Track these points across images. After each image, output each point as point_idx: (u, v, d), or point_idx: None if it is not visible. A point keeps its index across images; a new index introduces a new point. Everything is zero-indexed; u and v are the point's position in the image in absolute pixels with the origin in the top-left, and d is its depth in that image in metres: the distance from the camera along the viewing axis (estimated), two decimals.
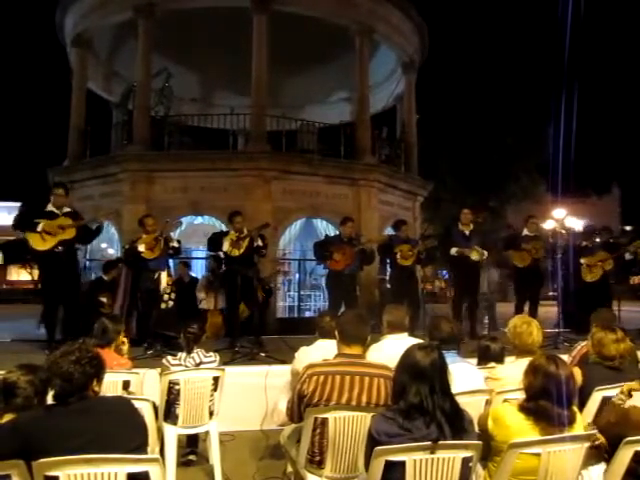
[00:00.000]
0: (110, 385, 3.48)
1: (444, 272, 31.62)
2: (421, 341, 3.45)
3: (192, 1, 11.37)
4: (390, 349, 3.65)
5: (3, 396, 2.42)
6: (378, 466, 2.25)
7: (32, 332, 8.34)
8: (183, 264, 9.45)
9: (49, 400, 2.43)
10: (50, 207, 6.26)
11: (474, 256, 7.43)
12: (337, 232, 8.33)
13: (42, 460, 2.06)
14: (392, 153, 13.61)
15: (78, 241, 6.40)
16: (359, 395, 2.84)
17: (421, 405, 2.28)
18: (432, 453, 2.23)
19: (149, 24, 11.53)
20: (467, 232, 7.70)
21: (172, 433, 3.88)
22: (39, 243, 6.02)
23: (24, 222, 6.18)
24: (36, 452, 2.10)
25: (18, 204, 30.49)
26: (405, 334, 3.93)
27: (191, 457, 4.33)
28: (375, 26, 12.51)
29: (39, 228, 6.00)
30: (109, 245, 12.48)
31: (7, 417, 2.36)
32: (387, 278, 8.56)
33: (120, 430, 2.27)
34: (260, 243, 6.77)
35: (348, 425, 2.83)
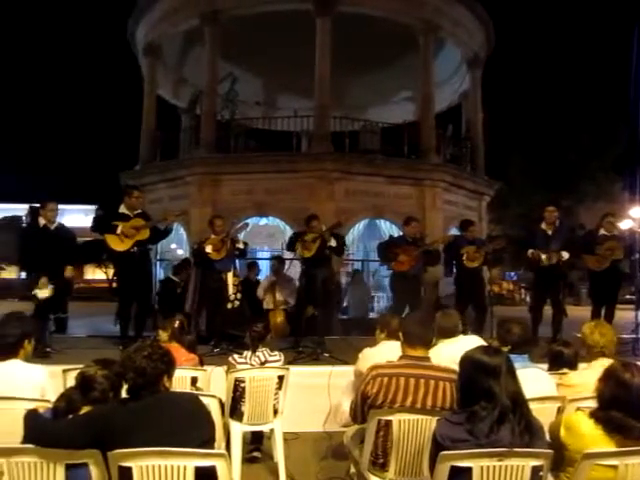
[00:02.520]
0: (179, 380, 3.60)
1: (512, 274, 30.70)
2: (483, 342, 3.37)
3: (256, 6, 11.59)
4: (444, 353, 3.58)
5: (81, 389, 2.55)
6: (443, 471, 2.22)
7: (107, 328, 8.76)
8: (251, 264, 9.63)
9: (123, 394, 2.55)
10: (123, 209, 6.55)
11: (543, 261, 7.06)
12: (401, 233, 8.24)
13: (117, 451, 2.16)
14: (457, 152, 13.33)
15: (149, 241, 6.67)
16: (424, 398, 2.80)
17: (488, 409, 2.22)
18: (500, 460, 2.16)
19: (215, 31, 11.85)
20: (550, 232, 7.28)
21: (238, 429, 3.97)
22: (117, 244, 6.33)
23: (102, 225, 6.51)
24: (110, 443, 2.20)
25: (94, 207, 32.20)
26: (458, 337, 3.86)
27: (256, 454, 4.41)
28: (440, 23, 12.31)
29: (118, 230, 6.31)
30: (178, 246, 12.93)
31: (85, 409, 2.49)
32: (452, 280, 8.37)
33: (189, 425, 2.34)
34: (333, 243, 6.75)
35: (412, 428, 2.79)
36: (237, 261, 7.52)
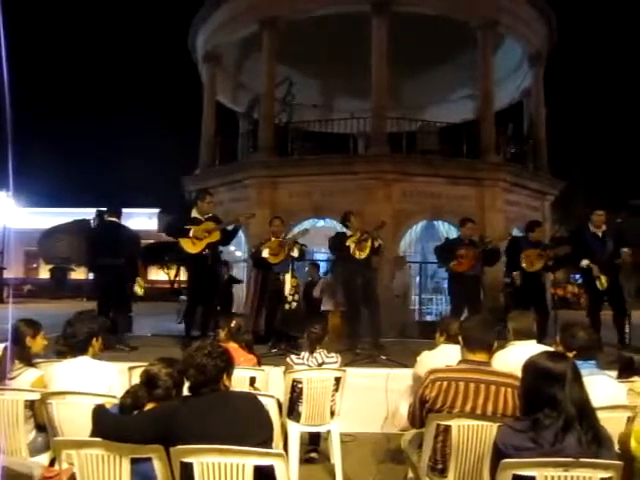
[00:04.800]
0: (238, 380, 3.66)
1: (577, 276, 29.48)
2: (550, 348, 3.25)
3: (313, 10, 11.66)
4: (517, 356, 3.48)
5: (146, 386, 2.64)
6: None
7: (169, 327, 9.03)
8: (313, 265, 9.67)
9: (185, 391, 2.62)
10: (195, 213, 6.78)
11: (599, 284, 6.86)
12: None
13: (179, 447, 2.22)
14: (519, 151, 12.96)
15: (220, 243, 6.87)
16: (484, 404, 2.73)
17: (552, 417, 2.14)
18: (566, 470, 2.08)
19: (273, 36, 12.02)
20: (600, 234, 7.08)
21: (295, 430, 4.00)
22: (190, 247, 6.56)
23: (176, 229, 6.75)
24: (173, 439, 2.26)
25: (156, 210, 33.35)
26: (533, 341, 3.73)
27: (313, 455, 4.42)
28: (498, 19, 12.00)
29: (190, 234, 6.52)
30: (237, 247, 13.17)
31: (149, 405, 2.58)
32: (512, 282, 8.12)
33: (248, 424, 2.38)
34: (381, 242, 6.79)
35: (472, 434, 2.73)
36: (295, 262, 7.53)
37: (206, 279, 6.70)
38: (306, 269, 10.20)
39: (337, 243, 6.97)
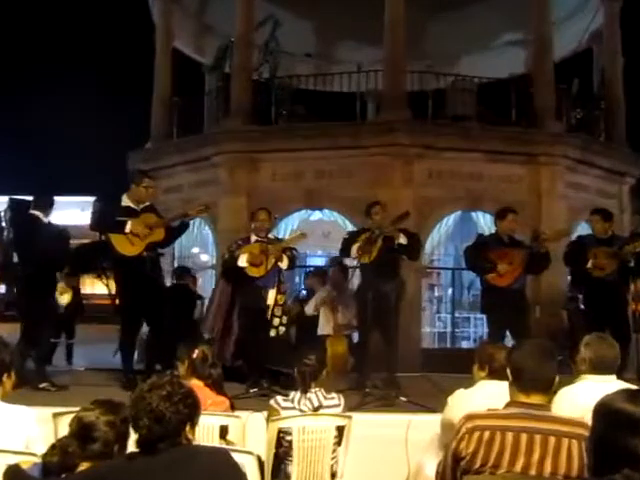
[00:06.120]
0: (204, 430, 3.66)
1: None
2: (633, 386, 3.26)
3: None
4: (589, 397, 3.48)
5: (79, 439, 2.63)
6: None
7: (110, 359, 9.02)
8: (316, 275, 9.61)
9: (131, 445, 2.60)
10: (126, 201, 6.70)
11: None
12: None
13: None
14: (587, 116, 12.99)
15: (162, 244, 6.82)
16: (541, 461, 2.74)
17: (634, 479, 2.15)
18: None
19: None
20: None
21: None
22: (127, 247, 6.48)
23: (106, 222, 6.68)
24: None
25: (92, 198, 33.27)
26: (613, 377, 3.75)
27: None
28: None
29: (127, 229, 6.45)
30: (202, 249, 13.16)
31: (83, 465, 2.57)
32: (580, 295, 8.15)
33: None
34: (402, 241, 6.75)
35: None
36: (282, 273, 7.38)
37: (146, 291, 6.62)
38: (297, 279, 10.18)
39: (345, 245, 6.99)
